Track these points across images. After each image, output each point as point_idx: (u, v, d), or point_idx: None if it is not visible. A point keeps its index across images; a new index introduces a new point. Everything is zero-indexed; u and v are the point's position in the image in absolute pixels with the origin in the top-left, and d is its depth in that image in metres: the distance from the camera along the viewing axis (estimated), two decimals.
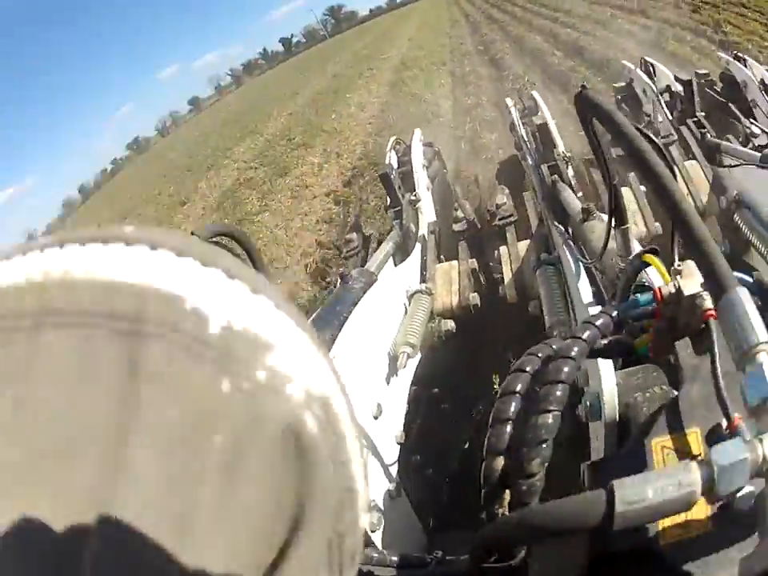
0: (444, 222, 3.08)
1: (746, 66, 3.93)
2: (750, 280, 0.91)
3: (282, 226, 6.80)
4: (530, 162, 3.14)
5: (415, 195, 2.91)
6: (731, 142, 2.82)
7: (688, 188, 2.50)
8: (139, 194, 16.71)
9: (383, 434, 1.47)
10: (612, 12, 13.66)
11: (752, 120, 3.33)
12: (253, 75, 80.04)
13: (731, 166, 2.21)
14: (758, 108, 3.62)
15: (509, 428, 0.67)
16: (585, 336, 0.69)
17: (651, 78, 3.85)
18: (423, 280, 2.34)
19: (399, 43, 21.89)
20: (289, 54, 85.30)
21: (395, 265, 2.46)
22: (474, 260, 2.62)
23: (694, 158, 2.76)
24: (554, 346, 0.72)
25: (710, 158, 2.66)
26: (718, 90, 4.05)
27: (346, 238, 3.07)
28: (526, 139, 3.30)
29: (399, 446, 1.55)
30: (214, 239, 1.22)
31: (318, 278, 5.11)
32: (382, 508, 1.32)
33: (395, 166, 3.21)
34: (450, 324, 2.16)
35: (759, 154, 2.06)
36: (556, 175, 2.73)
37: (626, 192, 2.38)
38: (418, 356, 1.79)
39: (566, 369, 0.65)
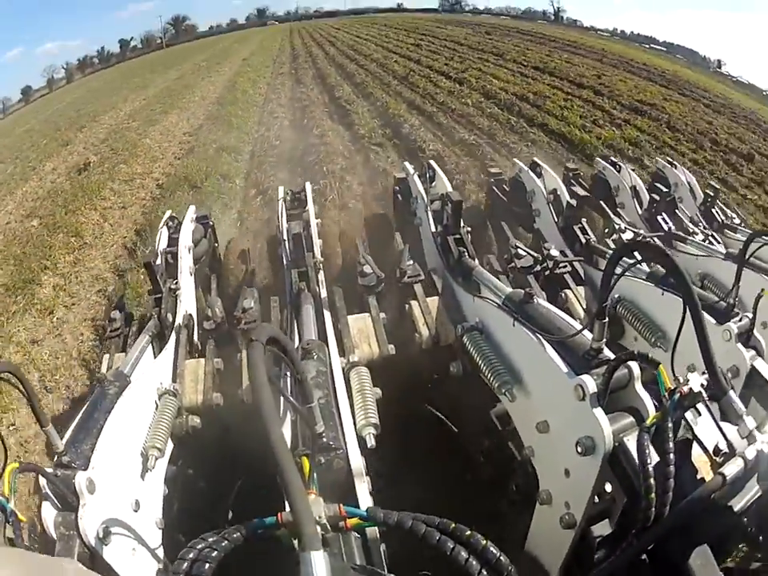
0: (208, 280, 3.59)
1: (619, 172, 4.64)
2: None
3: (157, 147, 11.99)
4: (285, 264, 3.30)
5: (176, 283, 3.07)
6: (491, 263, 3.27)
7: (426, 320, 2.80)
8: (21, 145, 19.00)
9: (144, 524, 1.73)
10: (397, 58, 21.21)
11: (619, 218, 3.84)
12: (86, 73, 77.57)
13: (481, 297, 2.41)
14: (626, 210, 4.28)
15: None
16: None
17: (427, 183, 3.95)
18: (174, 377, 2.49)
19: (235, 60, 27.62)
20: (123, 57, 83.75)
21: (153, 352, 2.67)
22: (220, 360, 2.72)
23: (437, 294, 3.02)
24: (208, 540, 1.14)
25: (465, 276, 2.89)
26: (589, 188, 4.58)
27: (110, 316, 3.14)
28: (286, 237, 3.39)
29: (161, 531, 1.80)
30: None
31: (183, 157, 10.58)
32: None
33: (165, 245, 3.47)
34: (197, 420, 2.34)
35: (508, 290, 2.32)
36: (304, 283, 2.97)
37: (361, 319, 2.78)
38: (167, 455, 2.05)
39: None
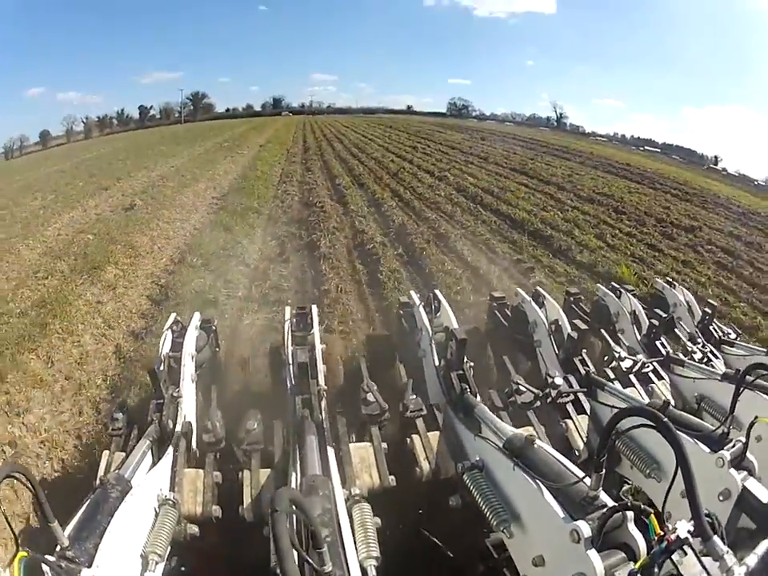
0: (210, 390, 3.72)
1: (619, 298, 4.95)
2: None
3: (191, 203, 15.49)
4: (288, 387, 3.48)
5: (178, 391, 3.31)
6: (494, 398, 3.43)
7: (427, 455, 3.02)
8: (55, 182, 22.34)
9: None
10: (393, 158, 25.74)
11: (619, 345, 4.11)
12: (104, 132, 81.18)
13: (483, 437, 2.67)
14: (625, 335, 4.59)
15: None
16: None
17: (431, 313, 4.22)
18: (172, 486, 2.69)
19: (253, 145, 32.39)
20: (142, 123, 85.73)
21: (153, 457, 2.89)
22: (219, 473, 2.92)
23: (438, 429, 3.23)
24: None
25: (467, 413, 3.11)
26: (590, 313, 4.91)
27: (112, 415, 3.33)
28: (291, 361, 3.63)
29: None
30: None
31: (215, 213, 14.02)
32: None
33: (168, 349, 3.74)
34: (195, 529, 2.57)
35: (509, 431, 2.59)
36: (307, 410, 3.12)
37: (363, 448, 3.00)
38: (164, 559, 2.22)
39: None
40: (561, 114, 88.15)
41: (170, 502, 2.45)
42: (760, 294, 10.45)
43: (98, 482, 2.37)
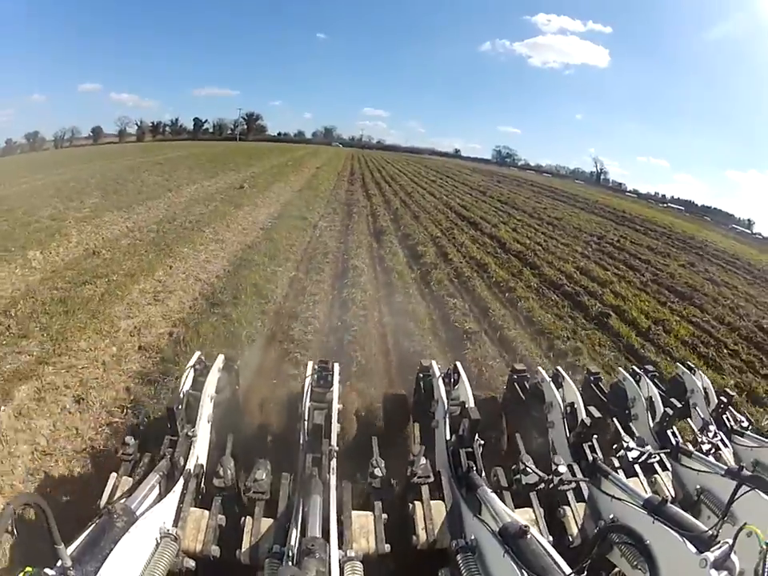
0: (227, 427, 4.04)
1: (638, 383, 5.17)
2: None
3: (280, 191, 27.30)
4: (300, 443, 3.72)
5: (193, 430, 3.55)
6: (498, 476, 3.65)
7: (425, 525, 3.30)
8: (159, 170, 32.16)
9: None
10: (413, 185, 37.94)
11: (628, 435, 4.31)
12: (155, 138, 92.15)
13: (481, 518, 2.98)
14: (638, 421, 4.83)
15: None
16: None
17: (450, 385, 4.55)
18: (176, 521, 2.96)
19: (311, 167, 44.98)
20: (195, 135, 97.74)
21: (161, 491, 3.14)
22: (224, 517, 3.22)
23: (441, 498, 3.51)
24: None
25: (470, 490, 3.42)
26: (607, 396, 5.18)
27: (123, 440, 3.56)
28: (306, 418, 3.86)
29: None
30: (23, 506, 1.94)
31: (296, 196, 25.79)
32: None
33: (189, 387, 4.02)
34: (192, 563, 2.89)
35: (507, 518, 2.82)
36: (316, 468, 3.37)
37: (364, 516, 3.28)
38: None
39: None
40: (601, 170, 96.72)
41: (172, 536, 2.82)
42: (625, 268, 17.78)
43: (103, 505, 2.82)
